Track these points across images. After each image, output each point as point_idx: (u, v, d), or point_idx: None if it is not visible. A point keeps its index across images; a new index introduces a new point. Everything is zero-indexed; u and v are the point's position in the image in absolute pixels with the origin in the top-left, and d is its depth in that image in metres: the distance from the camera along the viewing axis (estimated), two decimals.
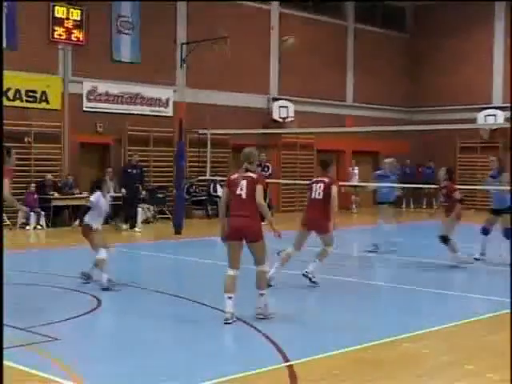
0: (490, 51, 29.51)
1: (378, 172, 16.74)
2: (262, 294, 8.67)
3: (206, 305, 9.53)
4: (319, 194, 11.00)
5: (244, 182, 8.52)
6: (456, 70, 30.08)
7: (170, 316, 9.15)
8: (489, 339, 8.08)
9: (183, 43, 23.97)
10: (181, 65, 24.07)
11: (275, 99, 26.74)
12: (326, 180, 11.09)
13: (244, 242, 8.58)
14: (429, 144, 29.68)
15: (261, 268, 8.66)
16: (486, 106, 29.01)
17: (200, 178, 23.33)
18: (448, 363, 7.11)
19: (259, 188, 8.52)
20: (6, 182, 9.15)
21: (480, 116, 28.50)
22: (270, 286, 9.86)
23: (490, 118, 28.34)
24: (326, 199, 10.92)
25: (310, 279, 11.10)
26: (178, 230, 18.80)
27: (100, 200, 11.13)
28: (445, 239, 13.40)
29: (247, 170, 8.63)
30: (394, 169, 16.75)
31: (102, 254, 10.93)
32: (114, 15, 22.63)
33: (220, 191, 24.15)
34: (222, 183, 24.38)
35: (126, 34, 22.87)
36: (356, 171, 26.32)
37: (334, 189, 10.90)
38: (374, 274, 12.86)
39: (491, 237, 14.47)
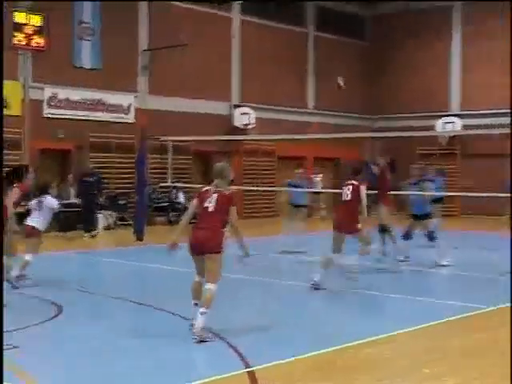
0: (447, 59, 29.95)
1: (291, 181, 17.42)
2: (202, 313, 7.93)
3: (167, 311, 9.50)
4: (347, 195, 11.72)
5: (215, 196, 8.24)
6: (414, 78, 30.44)
7: (132, 323, 9.10)
8: (447, 343, 8.16)
9: (145, 50, 23.91)
10: (142, 71, 23.99)
11: (237, 106, 26.79)
12: (355, 182, 11.80)
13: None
14: (389, 151, 29.85)
15: (209, 286, 8.08)
16: (444, 113, 29.38)
17: (162, 184, 23.26)
18: (408, 367, 7.17)
19: (233, 209, 8.26)
20: (14, 192, 10.38)
21: (438, 123, 28.86)
22: (317, 289, 11.11)
23: (449, 125, 28.72)
24: (354, 200, 11.64)
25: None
26: (139, 237, 18.69)
27: (49, 204, 11.64)
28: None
29: (217, 187, 8.30)
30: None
31: (29, 257, 11.41)
32: (75, 21, 22.47)
33: (182, 198, 24.16)
34: (184, 190, 24.43)
35: (87, 39, 22.74)
36: (318, 178, 26.37)
37: (363, 190, 11.65)
38: (330, 280, 12.87)
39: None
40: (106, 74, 22.87)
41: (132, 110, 23.81)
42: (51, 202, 11.70)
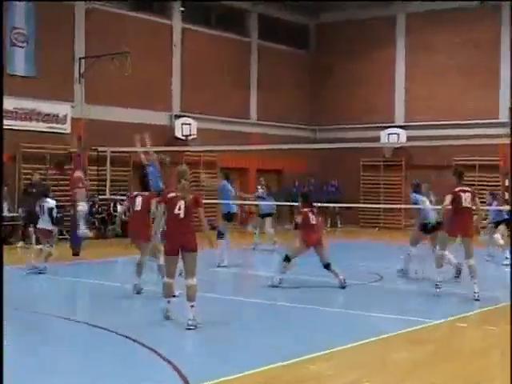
0: (391, 71, 30.33)
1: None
2: (192, 306, 9.46)
3: (103, 328, 9.36)
4: (468, 202, 12.31)
5: (182, 203, 9.59)
6: (359, 89, 30.77)
7: (68, 340, 8.94)
8: (390, 357, 8.21)
9: (81, 57, 23.63)
10: (79, 80, 23.69)
11: (178, 116, 26.68)
12: (470, 189, 12.54)
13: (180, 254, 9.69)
14: (332, 162, 30.17)
15: (191, 282, 9.55)
16: (388, 124, 29.75)
17: (100, 197, 22.97)
18: (351, 382, 7.18)
19: (201, 210, 9.78)
20: None
21: (383, 134, 29.21)
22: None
23: (393, 137, 29.07)
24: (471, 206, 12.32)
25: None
26: (75, 251, 18.41)
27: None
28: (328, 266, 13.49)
29: (184, 187, 9.73)
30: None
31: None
32: (8, 27, 22.08)
33: (120, 209, 23.80)
34: (123, 202, 24.11)
35: (21, 46, 22.37)
36: (262, 190, 26.21)
37: (477, 199, 12.48)
38: (276, 295, 12.86)
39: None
40: (40, 82, 22.51)
41: (68, 119, 23.49)
42: (51, 203, 14.91)
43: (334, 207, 28.61)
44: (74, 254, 18.31)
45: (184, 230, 9.63)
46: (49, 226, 15.05)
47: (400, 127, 29.53)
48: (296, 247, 13.46)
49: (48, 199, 15.22)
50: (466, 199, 12.40)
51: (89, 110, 23.87)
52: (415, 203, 15.20)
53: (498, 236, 17.86)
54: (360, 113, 30.53)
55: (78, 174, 18.84)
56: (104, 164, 21.89)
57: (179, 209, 9.61)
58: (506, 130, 26.58)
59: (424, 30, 29.39)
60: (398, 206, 24.62)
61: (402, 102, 30.15)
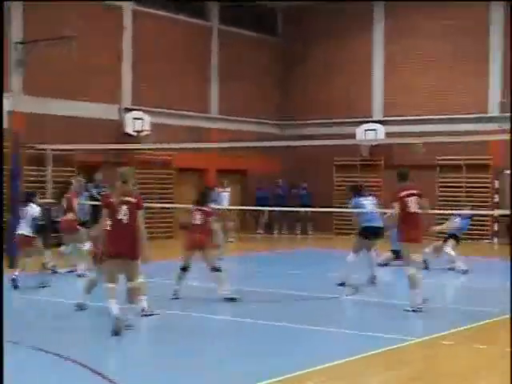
0: (368, 60, 30.39)
1: None
2: (133, 308, 10.56)
3: (29, 346, 9.27)
4: (415, 206, 12.55)
5: (125, 208, 10.31)
6: (332, 80, 30.82)
7: None
8: (366, 382, 8.15)
9: (18, 42, 23.32)
10: (16, 68, 23.39)
11: (128, 110, 26.46)
12: (417, 192, 12.76)
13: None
14: (303, 162, 30.17)
15: (133, 284, 10.48)
16: (365, 119, 29.79)
17: (40, 201, 22.62)
18: None
19: (140, 213, 10.44)
20: None
21: (359, 131, 29.23)
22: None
23: (370, 133, 29.10)
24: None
25: None
26: (12, 263, 18.10)
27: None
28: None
29: (124, 191, 10.41)
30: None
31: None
32: None
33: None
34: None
35: None
36: (226, 193, 26.19)
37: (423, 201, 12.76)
38: (238, 310, 12.78)
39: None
40: None
41: (4, 112, 23.13)
42: (34, 210, 15.12)
43: (305, 212, 28.63)
44: (10, 267, 17.98)
45: (129, 236, 10.31)
46: (29, 233, 15.30)
47: (378, 122, 29.57)
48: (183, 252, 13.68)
49: (33, 205, 15.42)
50: (413, 203, 12.61)
51: (27, 102, 23.56)
52: (357, 207, 15.64)
53: (449, 248, 18.32)
54: (334, 107, 30.56)
55: None
56: (44, 164, 21.67)
57: (123, 214, 10.32)
58: (496, 126, 26.80)
59: (405, 14, 29.48)
60: (377, 211, 24.55)
61: (381, 95, 30.22)
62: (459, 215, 18.93)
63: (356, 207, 15.73)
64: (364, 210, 15.53)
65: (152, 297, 12.00)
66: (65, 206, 17.58)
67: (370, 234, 15.39)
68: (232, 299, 13.11)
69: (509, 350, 9.30)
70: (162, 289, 13.72)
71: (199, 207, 13.57)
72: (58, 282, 15.63)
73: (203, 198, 13.83)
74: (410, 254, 12.49)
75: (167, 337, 10.46)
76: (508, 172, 26.03)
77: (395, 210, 12.53)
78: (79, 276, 15.73)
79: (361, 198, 15.78)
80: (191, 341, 10.12)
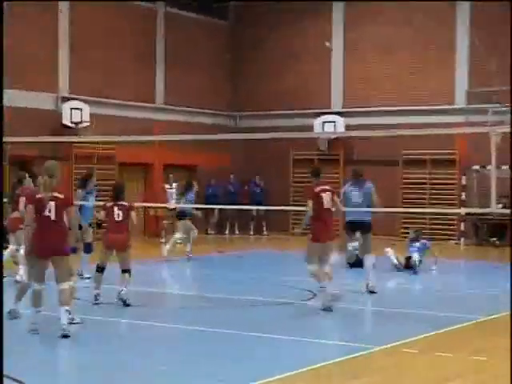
0: (327, 47, 30.34)
1: None
2: (67, 311, 10.47)
3: None
4: (328, 202, 13.09)
5: (53, 204, 10.47)
6: (289, 69, 30.77)
7: None
8: None
9: None
10: None
11: (66, 99, 26.18)
12: (330, 188, 13.33)
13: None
14: (256, 156, 30.12)
15: (64, 286, 10.52)
16: (323, 111, 29.78)
17: None
18: None
19: (71, 210, 10.78)
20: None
21: (317, 123, 29.21)
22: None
23: (329, 126, 29.08)
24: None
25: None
26: None
27: None
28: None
29: (52, 187, 10.55)
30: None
31: None
32: None
33: None
34: None
35: None
36: (173, 190, 25.98)
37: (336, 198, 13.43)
38: (190, 317, 12.69)
39: None
40: None
41: None
42: None
43: (258, 210, 28.52)
44: None
45: (56, 233, 10.54)
46: None
47: (337, 114, 29.59)
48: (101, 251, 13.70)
49: None
50: (327, 200, 13.06)
51: None
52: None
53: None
54: (290, 97, 30.51)
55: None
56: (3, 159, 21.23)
57: (49, 211, 10.51)
58: (463, 118, 26.97)
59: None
60: (335, 209, 24.54)
61: (340, 84, 30.25)
62: (417, 246, 18.92)
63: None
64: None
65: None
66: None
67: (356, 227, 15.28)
68: (127, 304, 13.01)
69: (476, 358, 9.32)
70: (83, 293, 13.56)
71: (116, 203, 13.38)
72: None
73: (119, 193, 13.57)
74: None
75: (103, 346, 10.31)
76: (476, 168, 26.17)
77: (308, 209, 12.98)
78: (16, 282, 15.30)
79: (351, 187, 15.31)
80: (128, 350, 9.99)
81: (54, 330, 10.48)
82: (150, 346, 10.40)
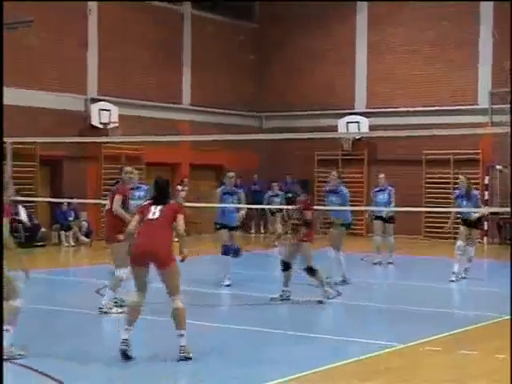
0: (352, 49, 30.29)
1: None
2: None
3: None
4: None
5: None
6: (314, 70, 30.71)
7: None
8: None
9: None
10: None
11: (94, 100, 26.26)
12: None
13: None
14: (281, 156, 30.05)
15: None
16: (347, 111, 29.69)
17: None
18: None
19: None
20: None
21: (341, 123, 29.13)
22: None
23: (353, 126, 29.01)
24: None
25: None
26: None
27: None
28: (312, 270, 13.62)
29: None
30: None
31: None
32: None
33: (23, 215, 23.49)
34: (27, 205, 23.67)
35: None
36: (183, 193, 25.45)
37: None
38: (214, 315, 12.66)
39: None
40: None
41: None
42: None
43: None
44: None
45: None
46: None
47: (361, 114, 29.50)
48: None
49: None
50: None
51: None
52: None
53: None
54: (314, 97, 30.46)
55: None
56: (2, 158, 21.32)
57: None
58: (487, 118, 26.77)
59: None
60: (358, 208, 24.48)
61: (364, 85, 30.13)
62: None
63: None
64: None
65: None
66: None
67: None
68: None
69: (500, 356, 9.21)
70: None
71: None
72: None
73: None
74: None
75: None
76: (499, 167, 25.97)
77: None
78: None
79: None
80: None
81: None
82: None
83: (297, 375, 8.58)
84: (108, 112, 26.27)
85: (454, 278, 16.42)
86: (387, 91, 29.23)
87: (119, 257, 12.11)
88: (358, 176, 29.02)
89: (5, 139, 21.53)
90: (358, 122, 29.14)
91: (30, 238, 23.66)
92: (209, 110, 29.85)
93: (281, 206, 21.22)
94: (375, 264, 19.50)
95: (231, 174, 16.50)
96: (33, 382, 8.40)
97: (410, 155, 27.57)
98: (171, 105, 28.85)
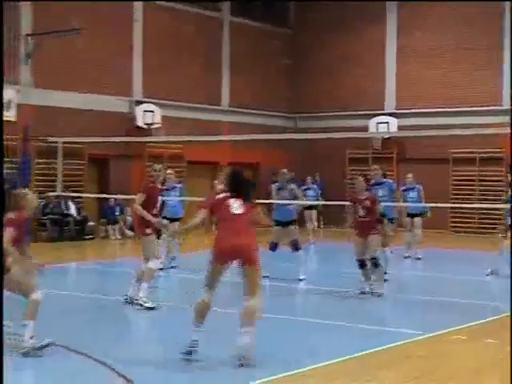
0: (382, 52, 30.39)
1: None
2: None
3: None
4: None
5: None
6: (345, 72, 30.84)
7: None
8: (376, 375, 8.25)
9: (28, 34, 23.45)
10: (26, 60, 23.52)
11: (139, 102, 26.57)
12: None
13: None
14: (314, 155, 30.22)
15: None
16: (377, 112, 29.81)
17: (49, 194, 22.83)
18: None
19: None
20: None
21: (371, 123, 29.27)
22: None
23: (383, 126, 29.13)
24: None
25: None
26: None
27: None
28: (376, 263, 13.61)
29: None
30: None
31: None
32: None
33: (73, 210, 23.92)
34: (76, 200, 24.10)
35: None
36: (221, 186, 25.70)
37: None
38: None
39: None
40: None
41: (13, 105, 23.26)
42: None
43: (316, 206, 28.52)
44: None
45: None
46: None
47: (390, 115, 29.60)
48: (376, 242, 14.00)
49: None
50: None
51: (37, 94, 23.68)
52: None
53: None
54: (346, 99, 30.58)
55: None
56: (54, 156, 21.74)
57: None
58: (508, 119, 26.75)
59: (418, 3, 29.41)
60: (390, 204, 24.57)
61: (393, 87, 30.22)
62: None
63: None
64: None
65: None
66: None
67: None
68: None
69: None
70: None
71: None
72: None
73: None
74: None
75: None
76: None
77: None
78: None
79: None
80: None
81: None
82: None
83: (334, 360, 8.71)
84: (152, 113, 26.59)
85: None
86: (415, 93, 29.32)
87: (148, 250, 12.22)
88: (388, 174, 29.06)
89: (56, 139, 22.09)
90: (387, 123, 29.30)
91: (79, 231, 24.12)
92: (246, 111, 30.08)
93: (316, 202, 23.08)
94: (405, 258, 19.64)
95: (284, 170, 16.65)
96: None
97: (437, 154, 27.68)
98: (211, 106, 29.12)
